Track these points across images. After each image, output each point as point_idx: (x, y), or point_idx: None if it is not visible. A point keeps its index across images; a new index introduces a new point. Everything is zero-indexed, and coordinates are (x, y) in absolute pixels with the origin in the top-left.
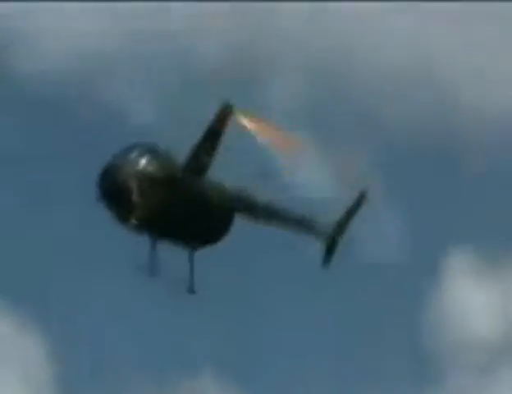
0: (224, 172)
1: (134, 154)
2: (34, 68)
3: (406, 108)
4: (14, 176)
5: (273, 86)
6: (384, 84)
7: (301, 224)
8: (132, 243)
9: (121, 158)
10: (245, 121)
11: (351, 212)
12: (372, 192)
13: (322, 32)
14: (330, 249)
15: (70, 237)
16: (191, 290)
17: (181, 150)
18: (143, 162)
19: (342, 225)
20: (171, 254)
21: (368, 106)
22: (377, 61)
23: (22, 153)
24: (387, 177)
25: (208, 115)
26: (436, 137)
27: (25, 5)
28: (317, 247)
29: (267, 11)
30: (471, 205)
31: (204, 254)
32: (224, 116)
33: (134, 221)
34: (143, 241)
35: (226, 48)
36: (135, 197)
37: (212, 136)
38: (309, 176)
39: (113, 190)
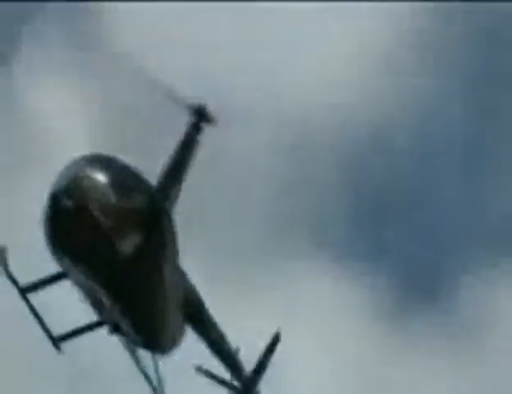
0: None
1: (90, 169)
2: None
3: None
4: None
5: None
6: None
7: (229, 361)
8: None
9: (76, 175)
10: None
11: (266, 355)
12: None
13: None
14: None
15: None
16: None
17: None
18: (105, 182)
19: (258, 371)
20: None
21: None
22: None
23: None
24: None
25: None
26: None
27: None
28: None
29: None
30: None
31: None
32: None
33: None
34: None
35: None
36: (109, 231)
37: (186, 152)
38: None
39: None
